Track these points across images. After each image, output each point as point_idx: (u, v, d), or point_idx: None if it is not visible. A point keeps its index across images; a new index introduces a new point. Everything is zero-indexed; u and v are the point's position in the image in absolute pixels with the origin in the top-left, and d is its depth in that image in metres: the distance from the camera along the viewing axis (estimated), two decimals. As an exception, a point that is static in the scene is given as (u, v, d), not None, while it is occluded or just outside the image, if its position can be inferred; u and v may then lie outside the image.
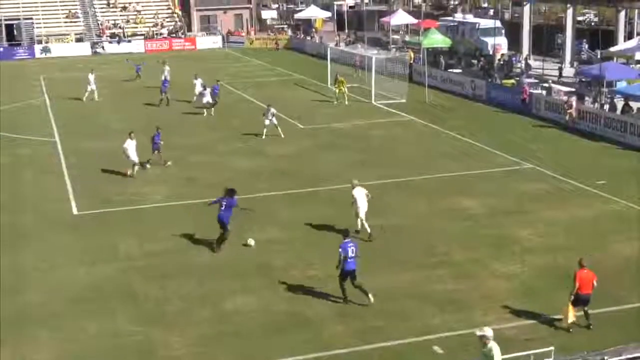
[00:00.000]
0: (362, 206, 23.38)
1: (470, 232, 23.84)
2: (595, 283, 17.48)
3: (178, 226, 24.48)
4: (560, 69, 51.79)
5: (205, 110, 42.77)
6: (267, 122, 36.56)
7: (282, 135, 36.72)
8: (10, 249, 22.99)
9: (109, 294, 19.84)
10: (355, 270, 18.86)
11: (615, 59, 48.09)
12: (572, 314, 17.24)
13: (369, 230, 23.33)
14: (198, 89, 45.36)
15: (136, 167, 30.56)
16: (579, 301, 17.35)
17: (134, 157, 30.30)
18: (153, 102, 46.34)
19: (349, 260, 18.71)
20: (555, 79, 49.72)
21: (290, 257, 21.96)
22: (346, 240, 19.07)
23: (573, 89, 44.01)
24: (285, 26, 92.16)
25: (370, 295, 18.84)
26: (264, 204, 26.80)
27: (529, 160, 31.95)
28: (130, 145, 30.19)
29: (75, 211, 26.70)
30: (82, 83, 49.59)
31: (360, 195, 23.48)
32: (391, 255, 22.06)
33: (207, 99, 42.94)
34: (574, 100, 38.95)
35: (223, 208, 22.44)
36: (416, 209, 26.15)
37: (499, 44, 57.61)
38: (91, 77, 48.97)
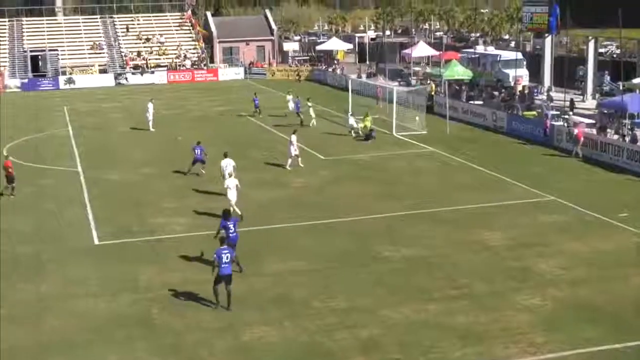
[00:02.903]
0: (232, 196, 27.79)
1: (491, 264, 23.70)
2: None
3: (197, 256, 24.52)
4: (572, 101, 51.53)
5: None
6: (292, 152, 36.71)
7: (302, 166, 36.88)
8: (32, 278, 23.13)
9: (129, 324, 19.84)
10: (230, 275, 20.21)
11: (637, 90, 47.93)
12: None
13: (239, 212, 27.52)
14: (291, 105, 51.66)
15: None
16: None
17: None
18: (175, 135, 46.83)
19: (223, 265, 20.04)
20: (577, 110, 49.60)
21: (311, 288, 21.89)
22: (221, 247, 20.40)
23: (591, 121, 43.93)
24: (307, 58, 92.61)
25: (231, 306, 20.26)
26: (284, 235, 26.85)
27: (551, 192, 31.78)
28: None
29: (96, 241, 26.83)
30: (104, 113, 49.91)
31: (232, 184, 28.01)
32: (412, 286, 21.95)
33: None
34: (576, 129, 39.09)
35: (232, 230, 22.89)
36: (437, 240, 26.05)
37: (520, 76, 57.66)
38: (150, 106, 49.47)
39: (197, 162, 35.52)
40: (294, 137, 36.93)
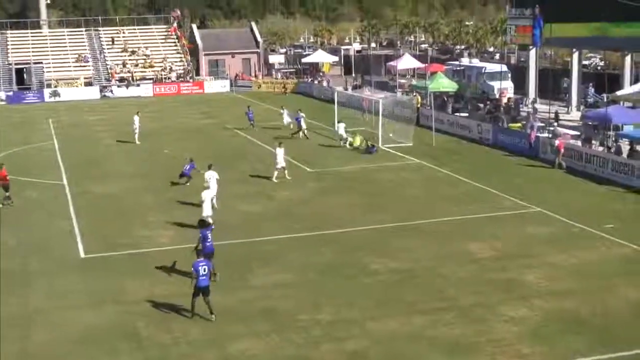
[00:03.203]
0: (207, 208, 27.99)
1: (477, 276, 23.73)
2: None
3: (184, 270, 24.41)
4: (557, 113, 51.83)
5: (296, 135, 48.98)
6: (278, 164, 36.69)
7: (289, 178, 36.88)
8: (18, 291, 23.00)
9: (115, 336, 19.76)
10: (207, 287, 20.51)
11: (621, 102, 48.24)
12: None
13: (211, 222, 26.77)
14: (286, 119, 52.04)
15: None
16: None
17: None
18: (164, 147, 46.78)
19: (200, 277, 20.31)
20: (562, 122, 49.83)
21: (298, 301, 21.87)
22: (198, 260, 20.75)
23: (576, 132, 44.21)
24: (293, 70, 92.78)
25: (213, 315, 20.42)
26: (272, 247, 26.83)
27: (536, 203, 31.89)
28: None
29: (82, 254, 26.72)
30: (89, 125, 49.77)
31: (207, 197, 28.28)
32: (398, 298, 21.95)
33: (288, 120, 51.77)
34: (557, 141, 39.79)
35: (209, 240, 23.29)
36: (424, 252, 26.08)
37: (505, 88, 57.92)
38: (136, 118, 49.44)
39: (184, 176, 35.91)
40: (279, 150, 36.91)
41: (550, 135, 42.85)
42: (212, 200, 29.14)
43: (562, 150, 39.14)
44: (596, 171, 37.42)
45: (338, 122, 47.89)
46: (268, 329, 20.01)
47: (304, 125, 49.54)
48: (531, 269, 24.04)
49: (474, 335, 19.39)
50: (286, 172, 37.08)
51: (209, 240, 23.29)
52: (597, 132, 43.47)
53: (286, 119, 52.03)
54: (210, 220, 27.39)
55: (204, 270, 20.40)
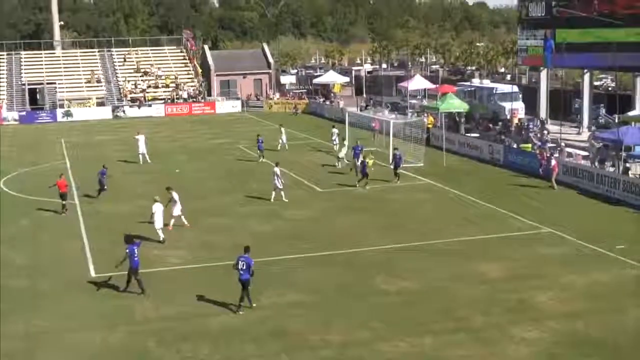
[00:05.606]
0: (159, 220, 29.69)
1: (489, 296, 23.62)
2: None
3: (194, 289, 24.42)
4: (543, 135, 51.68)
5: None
6: (279, 184, 36.49)
7: (285, 200, 36.67)
8: (28, 311, 23.02)
9: (125, 357, 19.73)
10: (246, 281, 22.13)
11: (633, 123, 48.09)
12: None
13: (162, 236, 29.81)
14: (335, 138, 50.45)
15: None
16: None
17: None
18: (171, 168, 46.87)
19: (240, 271, 22.10)
20: (574, 143, 49.74)
21: (308, 321, 21.81)
22: (240, 255, 22.42)
23: (585, 152, 44.14)
24: (304, 91, 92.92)
25: (242, 310, 22.21)
26: (282, 267, 26.79)
27: (548, 224, 31.78)
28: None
29: (93, 273, 26.74)
30: (102, 145, 49.86)
31: (159, 209, 29.67)
32: (409, 319, 21.87)
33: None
34: (553, 161, 39.82)
35: (136, 255, 24.05)
36: (434, 273, 25.99)
37: (516, 109, 57.85)
38: (141, 138, 49.79)
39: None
40: (277, 169, 36.69)
41: (539, 145, 42.67)
42: (181, 217, 31.58)
43: (557, 170, 39.08)
44: (608, 192, 37.28)
45: (349, 146, 47.26)
46: (278, 349, 19.96)
47: (346, 143, 47.88)
48: (543, 290, 23.91)
49: (485, 356, 19.29)
50: (282, 193, 36.80)
51: (136, 256, 23.90)
52: (608, 152, 43.31)
53: (336, 138, 50.20)
54: (161, 234, 29.36)
55: (242, 265, 22.04)
